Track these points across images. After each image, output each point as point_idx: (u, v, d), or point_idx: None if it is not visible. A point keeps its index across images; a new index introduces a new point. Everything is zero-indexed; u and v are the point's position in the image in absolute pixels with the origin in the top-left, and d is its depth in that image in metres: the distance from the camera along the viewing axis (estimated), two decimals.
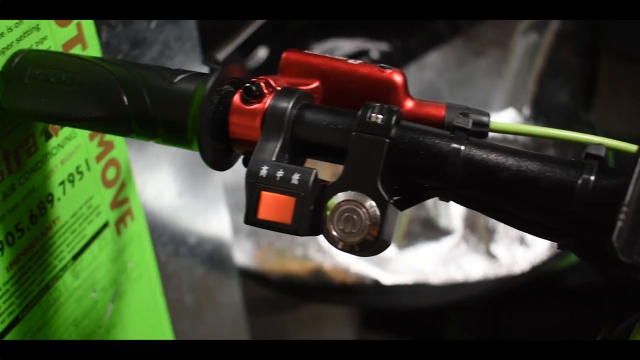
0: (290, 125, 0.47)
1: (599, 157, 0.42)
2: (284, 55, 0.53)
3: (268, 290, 1.09)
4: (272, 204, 0.45)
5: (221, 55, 0.88)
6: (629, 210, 0.38)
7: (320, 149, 0.47)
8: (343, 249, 0.45)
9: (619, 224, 0.38)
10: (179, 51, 0.74)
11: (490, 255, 1.04)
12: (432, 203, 1.04)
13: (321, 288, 1.03)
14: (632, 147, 0.43)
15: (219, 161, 0.50)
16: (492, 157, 0.44)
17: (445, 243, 1.05)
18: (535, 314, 1.26)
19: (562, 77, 1.42)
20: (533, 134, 0.49)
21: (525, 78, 1.18)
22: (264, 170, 0.45)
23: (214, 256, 0.89)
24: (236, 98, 0.48)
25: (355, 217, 0.44)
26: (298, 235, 0.45)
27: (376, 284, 1.02)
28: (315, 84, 0.51)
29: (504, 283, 1.04)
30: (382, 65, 0.52)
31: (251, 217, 0.45)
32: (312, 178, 0.44)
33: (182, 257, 0.82)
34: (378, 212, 0.44)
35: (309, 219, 0.44)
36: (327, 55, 0.53)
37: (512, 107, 1.15)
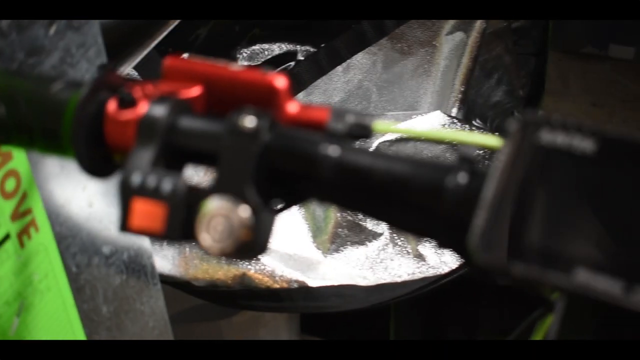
0: (163, 132, 0.46)
1: (470, 157, 0.42)
2: (165, 61, 0.52)
3: (194, 297, 1.08)
4: (144, 212, 0.44)
5: (133, 62, 0.87)
6: (484, 209, 0.37)
7: (197, 156, 0.47)
8: (218, 254, 0.44)
9: (473, 224, 0.37)
10: (82, 58, 0.73)
11: (419, 256, 1.04)
12: None
13: (247, 294, 1.02)
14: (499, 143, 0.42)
15: (98, 169, 0.49)
16: (363, 160, 0.43)
17: (373, 245, 1.05)
18: (467, 312, 1.26)
19: (496, 76, 1.43)
20: (416, 135, 0.49)
21: (453, 77, 1.18)
22: (136, 178, 0.44)
23: (132, 265, 0.88)
24: (110, 106, 0.47)
25: (227, 222, 0.43)
26: (171, 242, 0.44)
27: (303, 289, 1.01)
28: (197, 90, 0.50)
29: (433, 283, 1.04)
30: (266, 69, 0.51)
31: (124, 225, 0.44)
32: (183, 185, 0.44)
33: (96, 267, 0.81)
34: (250, 217, 0.43)
35: (182, 225, 0.44)
36: (210, 61, 0.52)
37: (441, 106, 1.16)
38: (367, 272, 1.03)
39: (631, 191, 0.36)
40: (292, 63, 1.14)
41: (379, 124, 0.50)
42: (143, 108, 0.46)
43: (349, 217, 1.05)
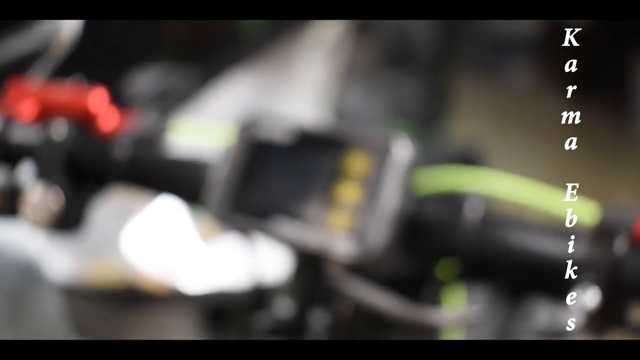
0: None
1: None
2: (7, 83, 0.66)
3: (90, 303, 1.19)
4: None
5: None
6: (217, 186, 0.52)
7: (26, 154, 0.61)
8: (40, 225, 0.58)
9: (209, 196, 0.52)
10: None
11: None
12: None
13: (132, 296, 1.15)
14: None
15: None
16: (146, 160, 0.58)
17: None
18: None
19: (364, 89, 1.58)
20: None
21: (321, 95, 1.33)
22: None
23: (18, 270, 0.98)
24: None
25: (42, 202, 0.57)
26: (3, 217, 0.58)
27: (175, 292, 1.14)
28: (30, 106, 0.64)
29: None
30: (90, 86, 0.65)
31: None
32: (10, 176, 0.58)
33: None
34: (61, 198, 0.57)
35: (11, 206, 0.58)
36: (45, 82, 0.66)
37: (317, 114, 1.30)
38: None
39: (312, 165, 0.51)
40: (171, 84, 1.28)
41: (175, 124, 0.64)
42: None
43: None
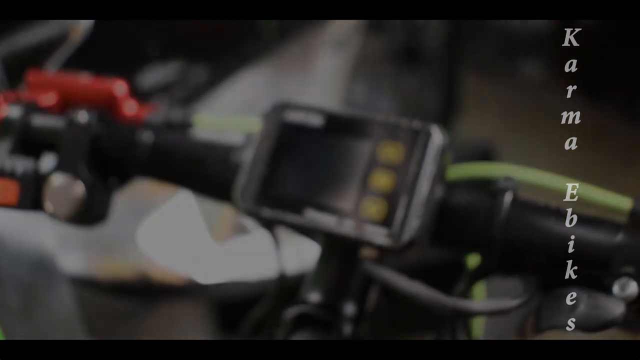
0: (19, 128, 0.58)
1: None
2: (28, 74, 0.65)
3: (103, 296, 1.18)
4: (1, 189, 0.56)
5: None
6: (244, 172, 0.51)
7: (47, 145, 0.59)
8: (61, 219, 0.56)
9: (236, 182, 0.51)
10: None
11: None
12: None
13: (145, 290, 1.14)
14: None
15: None
16: (172, 143, 0.57)
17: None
18: None
19: (373, 85, 1.57)
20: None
21: (332, 91, 1.32)
22: None
23: (37, 265, 0.97)
24: None
25: (65, 194, 0.56)
26: (23, 211, 0.56)
27: (193, 283, 1.13)
28: (51, 96, 0.63)
29: None
30: (111, 78, 0.64)
31: None
32: (32, 167, 0.56)
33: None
34: (83, 191, 0.56)
35: (31, 198, 0.56)
36: (65, 73, 0.65)
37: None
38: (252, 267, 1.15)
39: (344, 152, 0.49)
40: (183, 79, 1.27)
41: (198, 118, 0.63)
42: (4, 111, 0.59)
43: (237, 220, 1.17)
